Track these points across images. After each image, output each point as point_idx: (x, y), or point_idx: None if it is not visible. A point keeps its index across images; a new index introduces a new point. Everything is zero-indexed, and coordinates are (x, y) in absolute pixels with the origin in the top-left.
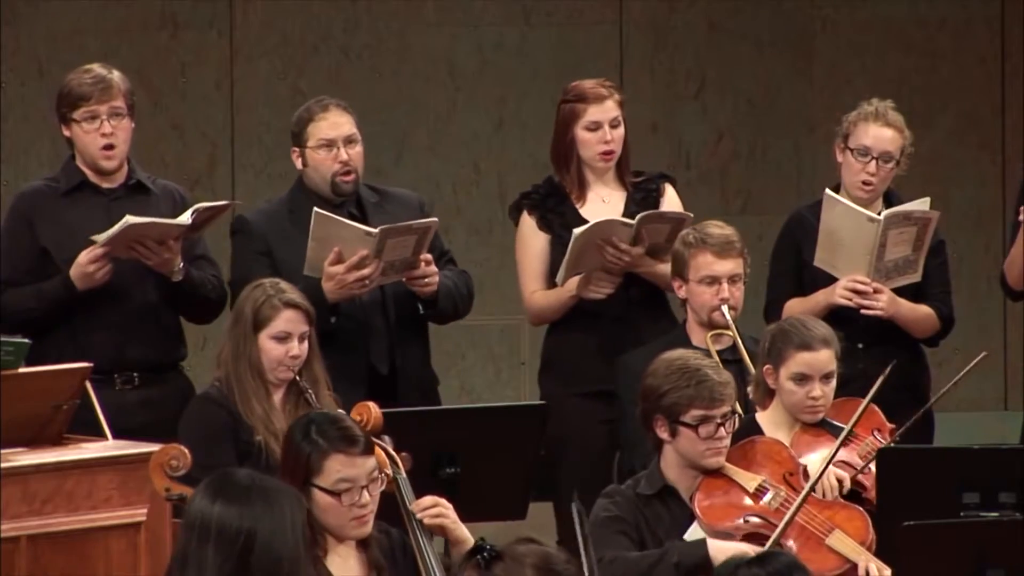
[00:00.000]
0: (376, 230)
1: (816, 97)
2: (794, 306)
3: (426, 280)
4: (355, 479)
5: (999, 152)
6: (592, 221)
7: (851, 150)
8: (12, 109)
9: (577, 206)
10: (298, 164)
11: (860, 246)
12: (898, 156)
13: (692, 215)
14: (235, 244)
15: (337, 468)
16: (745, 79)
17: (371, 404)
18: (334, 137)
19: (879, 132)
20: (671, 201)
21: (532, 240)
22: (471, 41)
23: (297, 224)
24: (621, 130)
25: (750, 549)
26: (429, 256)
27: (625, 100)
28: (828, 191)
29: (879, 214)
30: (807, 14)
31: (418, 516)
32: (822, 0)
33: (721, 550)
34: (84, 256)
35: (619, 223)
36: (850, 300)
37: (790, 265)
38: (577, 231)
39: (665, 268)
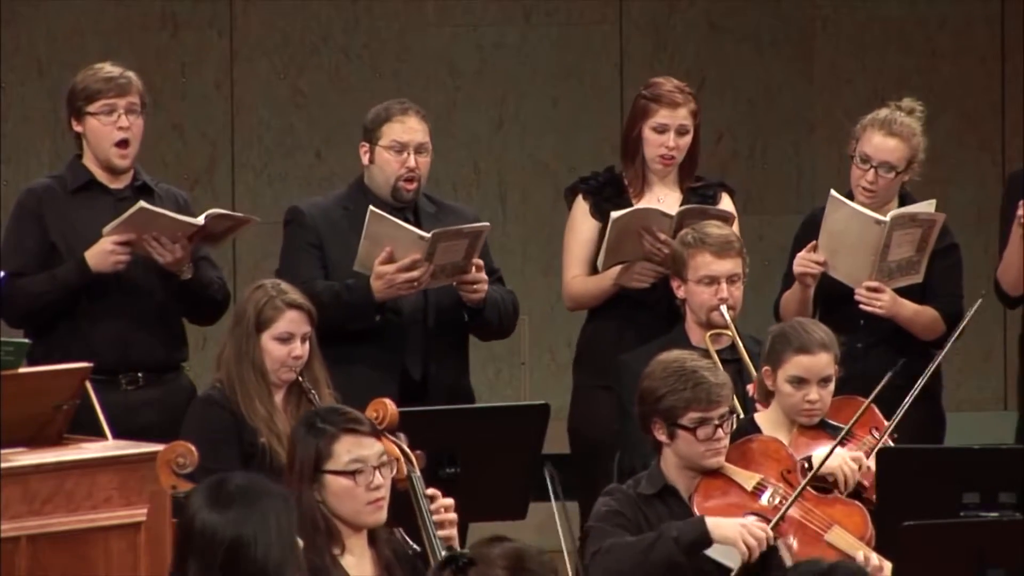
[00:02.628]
0: (429, 235)
1: (816, 97)
2: (785, 298)
3: (476, 286)
4: (366, 459)
5: (999, 152)
6: (632, 207)
7: (856, 155)
8: (12, 109)
9: (633, 200)
10: (365, 160)
11: (865, 248)
12: (901, 167)
13: (735, 214)
14: (287, 234)
15: (347, 449)
16: (745, 79)
17: (387, 400)
18: (407, 141)
19: (881, 142)
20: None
21: (582, 225)
22: (471, 41)
23: (351, 221)
24: (688, 138)
25: (751, 524)
26: (480, 262)
27: (700, 108)
28: (833, 192)
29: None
30: (807, 14)
31: (435, 518)
32: (822, 0)
33: (719, 525)
34: (107, 238)
35: (658, 212)
36: (802, 266)
37: None
38: (615, 215)
39: None
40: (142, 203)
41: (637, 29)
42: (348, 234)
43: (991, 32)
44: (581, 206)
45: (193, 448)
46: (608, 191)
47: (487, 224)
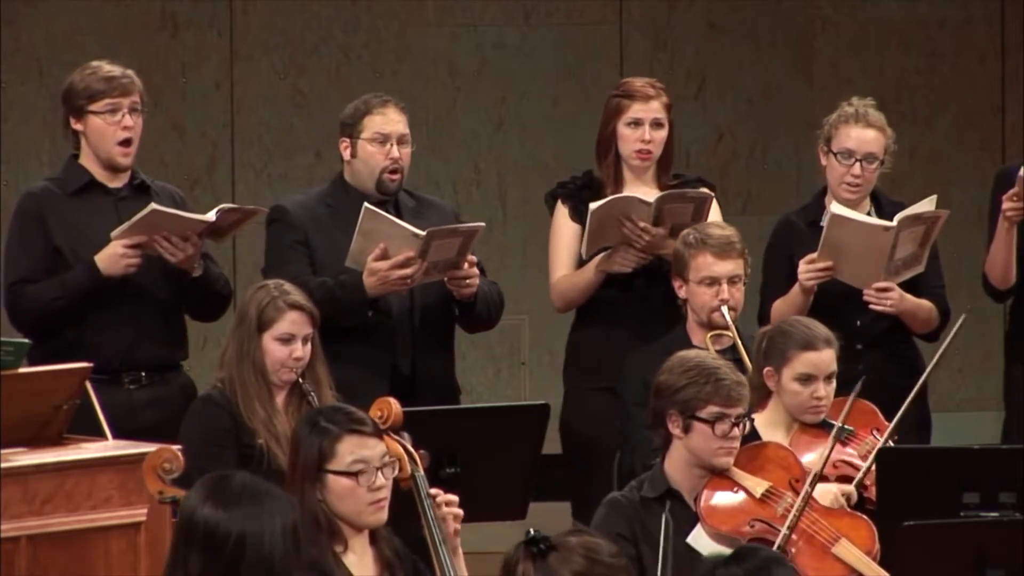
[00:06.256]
0: (423, 232)
1: (816, 97)
2: (779, 306)
3: (468, 281)
4: (369, 459)
5: (999, 152)
6: (610, 196)
7: (834, 153)
8: (12, 109)
9: None
10: (346, 155)
11: (874, 254)
12: (882, 156)
13: (712, 193)
14: (272, 232)
15: (350, 450)
16: (745, 79)
17: (391, 400)
18: (389, 132)
19: (861, 134)
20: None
21: (564, 228)
22: (471, 41)
23: (335, 218)
24: (663, 132)
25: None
26: (474, 258)
27: (672, 104)
28: (835, 210)
29: (869, 213)
30: (807, 14)
31: (439, 513)
32: (822, 0)
33: None
34: (118, 242)
35: (636, 200)
36: (811, 277)
37: (782, 271)
38: (593, 205)
39: None
40: (154, 205)
41: (637, 29)
42: (332, 231)
43: (991, 32)
44: (561, 211)
45: (179, 453)
46: (586, 194)
47: (482, 224)
